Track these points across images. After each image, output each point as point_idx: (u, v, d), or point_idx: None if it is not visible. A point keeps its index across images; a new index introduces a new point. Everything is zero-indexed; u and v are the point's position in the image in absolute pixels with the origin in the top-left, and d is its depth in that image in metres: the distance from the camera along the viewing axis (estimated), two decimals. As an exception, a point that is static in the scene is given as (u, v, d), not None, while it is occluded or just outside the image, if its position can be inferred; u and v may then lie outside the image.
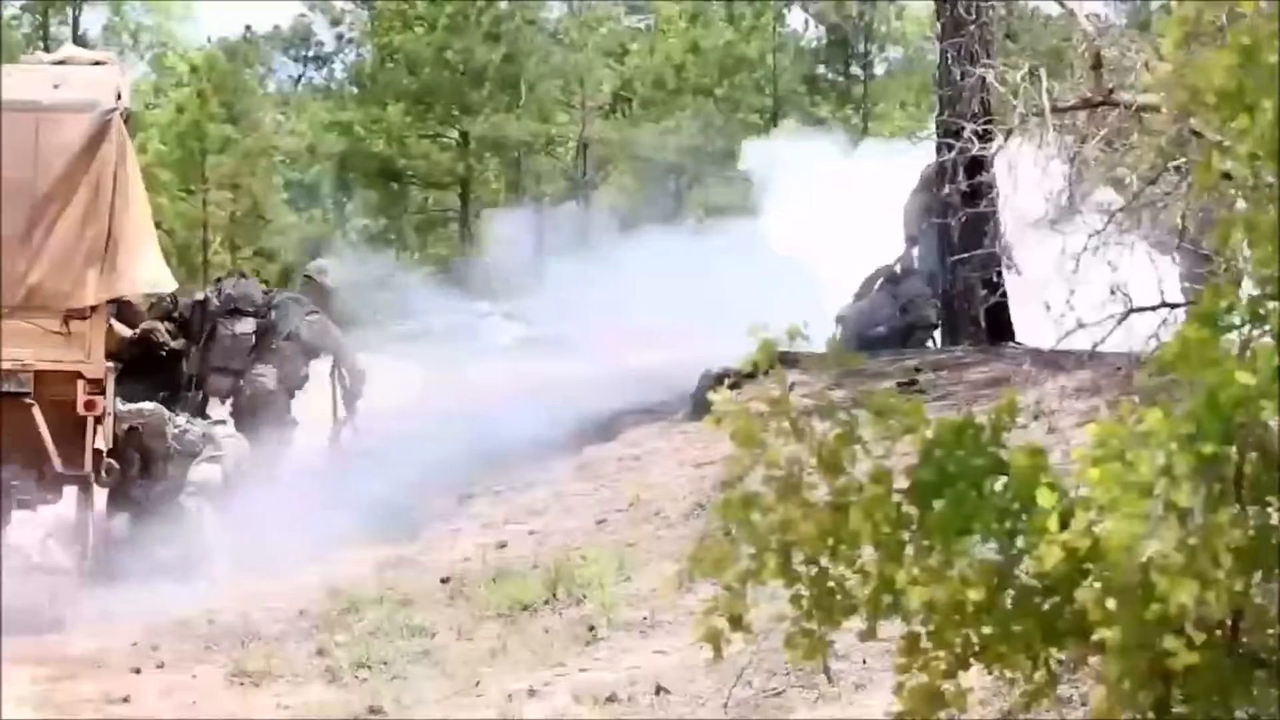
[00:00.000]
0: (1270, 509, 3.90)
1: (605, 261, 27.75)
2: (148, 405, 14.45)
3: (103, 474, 13.10)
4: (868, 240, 22.25)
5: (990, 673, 4.14)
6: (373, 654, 10.84)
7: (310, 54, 60.88)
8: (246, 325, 16.38)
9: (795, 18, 58.63)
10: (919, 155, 20.11)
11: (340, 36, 58.83)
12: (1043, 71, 10.93)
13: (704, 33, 55.77)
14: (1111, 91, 10.05)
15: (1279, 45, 3.66)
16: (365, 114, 52.09)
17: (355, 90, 56.22)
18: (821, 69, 59.08)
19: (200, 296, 16.89)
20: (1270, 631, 4.11)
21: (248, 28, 57.33)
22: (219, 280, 18.33)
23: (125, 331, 14.82)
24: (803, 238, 26.48)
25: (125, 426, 14.03)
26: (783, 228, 28.76)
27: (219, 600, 12.50)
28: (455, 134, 51.67)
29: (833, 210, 26.45)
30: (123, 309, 14.57)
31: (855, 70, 58.70)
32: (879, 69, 59.34)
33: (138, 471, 14.20)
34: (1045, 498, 3.80)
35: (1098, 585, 3.66)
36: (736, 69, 54.81)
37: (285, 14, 60.21)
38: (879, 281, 21.06)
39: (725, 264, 25.66)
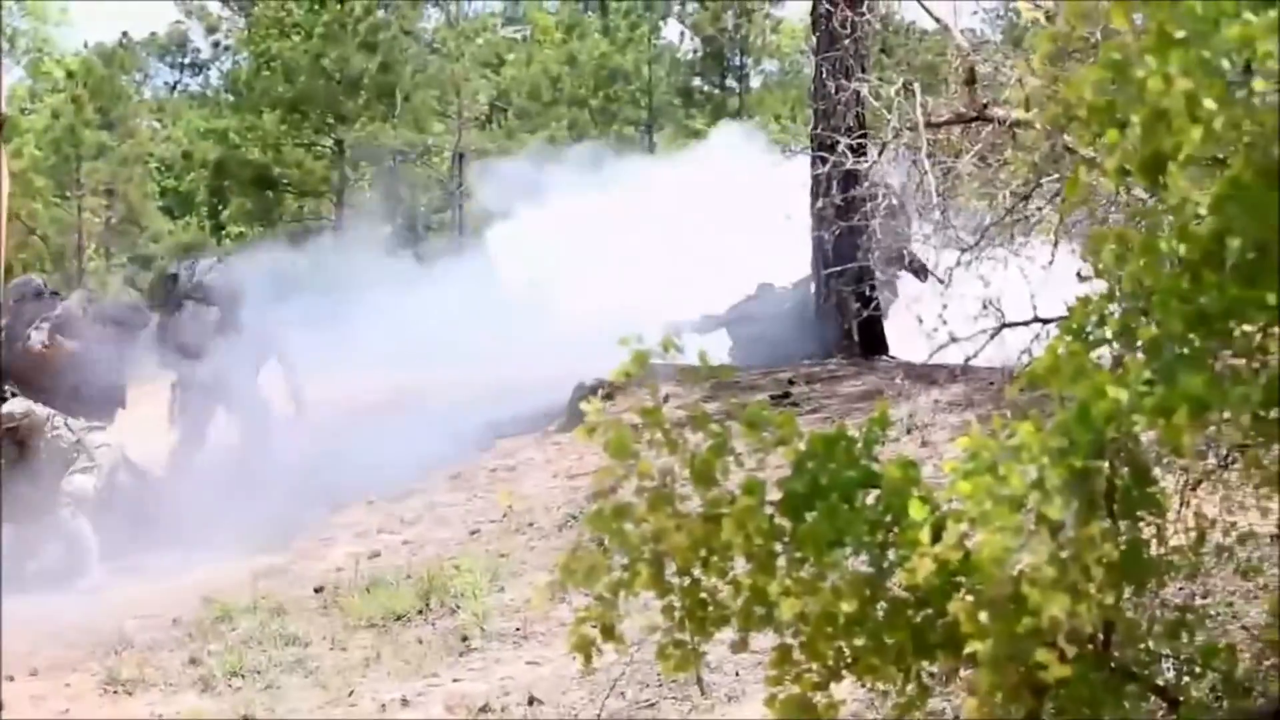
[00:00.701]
0: (1141, 523, 3.93)
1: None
2: (27, 406, 14.33)
3: None
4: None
5: (862, 685, 4.15)
6: (246, 663, 10.79)
7: (186, 61, 60.60)
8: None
9: (671, 30, 58.77)
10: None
11: (217, 44, 58.59)
12: (917, 86, 11.00)
13: (579, 44, 55.82)
14: (985, 107, 10.13)
15: (1149, 60, 3.69)
16: (240, 121, 51.73)
17: (231, 98, 55.83)
18: (697, 81, 59.19)
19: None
20: (1141, 645, 4.14)
21: (124, 34, 56.95)
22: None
23: None
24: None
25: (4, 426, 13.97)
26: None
27: (93, 609, 12.39)
28: (330, 142, 51.39)
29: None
30: None
31: (731, 83, 58.86)
32: (755, 82, 59.52)
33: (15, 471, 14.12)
34: (917, 510, 3.81)
35: (969, 598, 3.68)
36: (612, 81, 54.86)
37: (162, 20, 59.87)
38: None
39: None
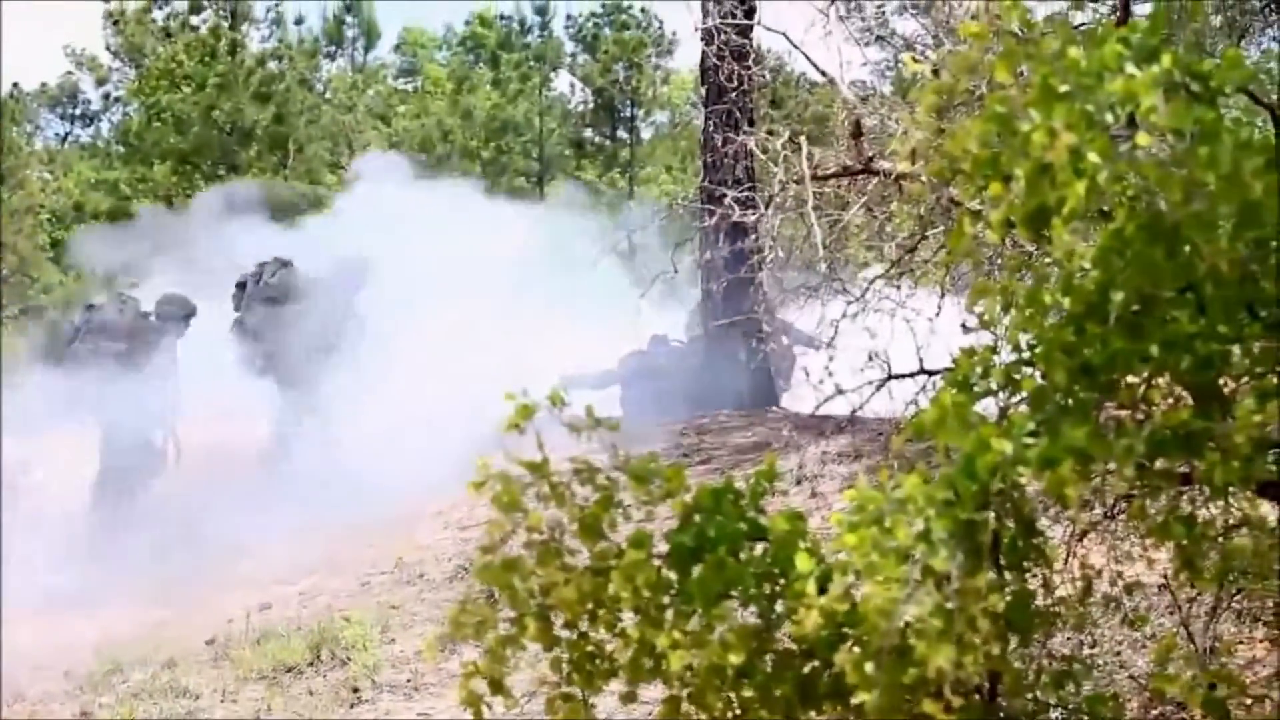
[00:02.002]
0: (1028, 574, 3.95)
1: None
2: None
3: None
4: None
5: (750, 736, 4.14)
6: (137, 715, 10.70)
7: (77, 112, 60.13)
8: None
9: (562, 81, 58.94)
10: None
11: (107, 95, 58.17)
12: (803, 139, 11.06)
13: (471, 96, 55.86)
14: (871, 160, 10.19)
15: (1033, 114, 3.72)
16: (132, 173, 51.43)
17: (122, 149, 55.45)
18: (589, 132, 59.36)
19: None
20: (1028, 695, 4.15)
21: (15, 85, 56.45)
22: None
23: None
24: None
25: None
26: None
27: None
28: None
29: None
30: None
31: (622, 134, 59.06)
32: (646, 133, 59.75)
33: None
34: (804, 562, 3.81)
35: (856, 649, 3.68)
36: (503, 132, 54.94)
37: (52, 72, 59.45)
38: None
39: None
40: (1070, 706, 4.46)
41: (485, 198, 30.57)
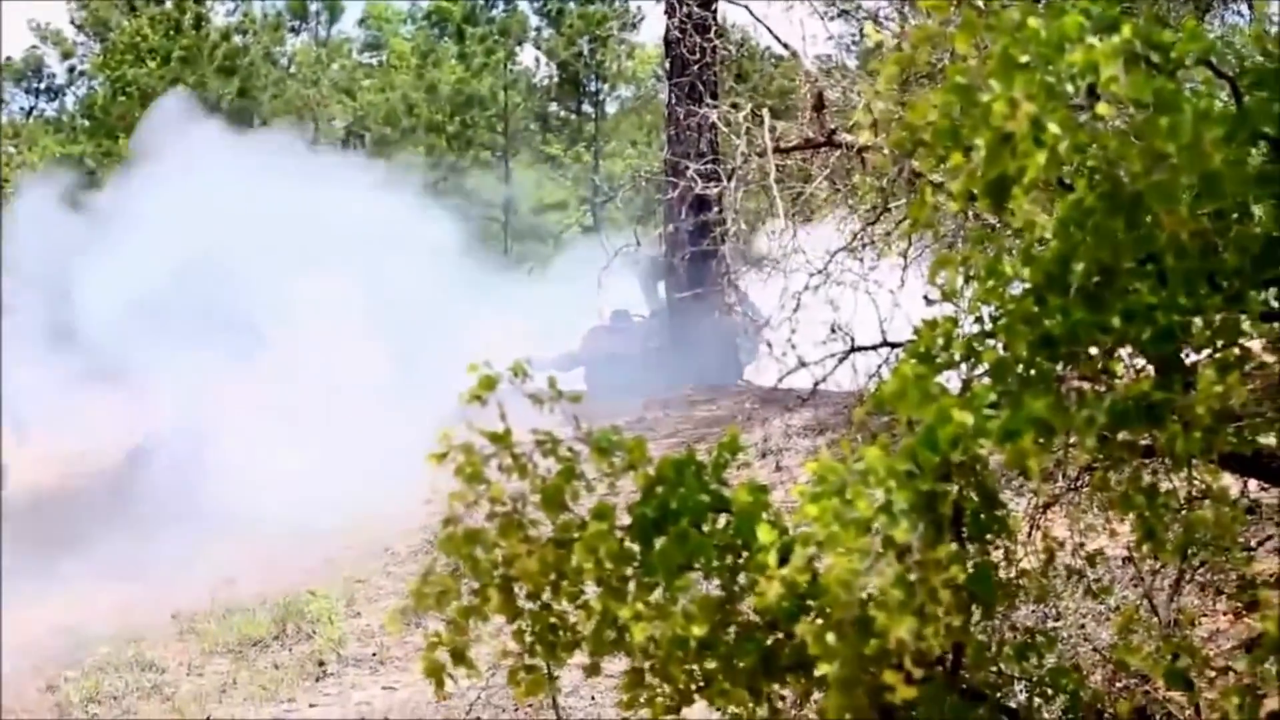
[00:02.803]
0: (990, 546, 3.95)
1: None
2: None
3: None
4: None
5: (714, 707, 4.14)
6: (103, 689, 10.68)
7: (42, 86, 59.75)
8: None
9: (527, 55, 58.72)
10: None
11: (72, 69, 57.82)
12: (766, 112, 11.05)
13: (436, 70, 55.68)
14: (834, 132, 10.19)
15: (993, 85, 3.71)
16: (97, 146, 51.14)
17: (86, 123, 55.14)
18: (554, 106, 59.21)
19: None
20: (991, 667, 4.16)
21: (-20, 58, 56.16)
22: None
23: None
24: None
25: None
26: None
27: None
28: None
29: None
30: None
31: (587, 108, 58.92)
32: (611, 107, 59.60)
33: None
34: (765, 534, 3.81)
35: (818, 620, 3.68)
36: (468, 106, 54.73)
37: (16, 45, 59.09)
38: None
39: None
40: (1034, 679, 4.48)
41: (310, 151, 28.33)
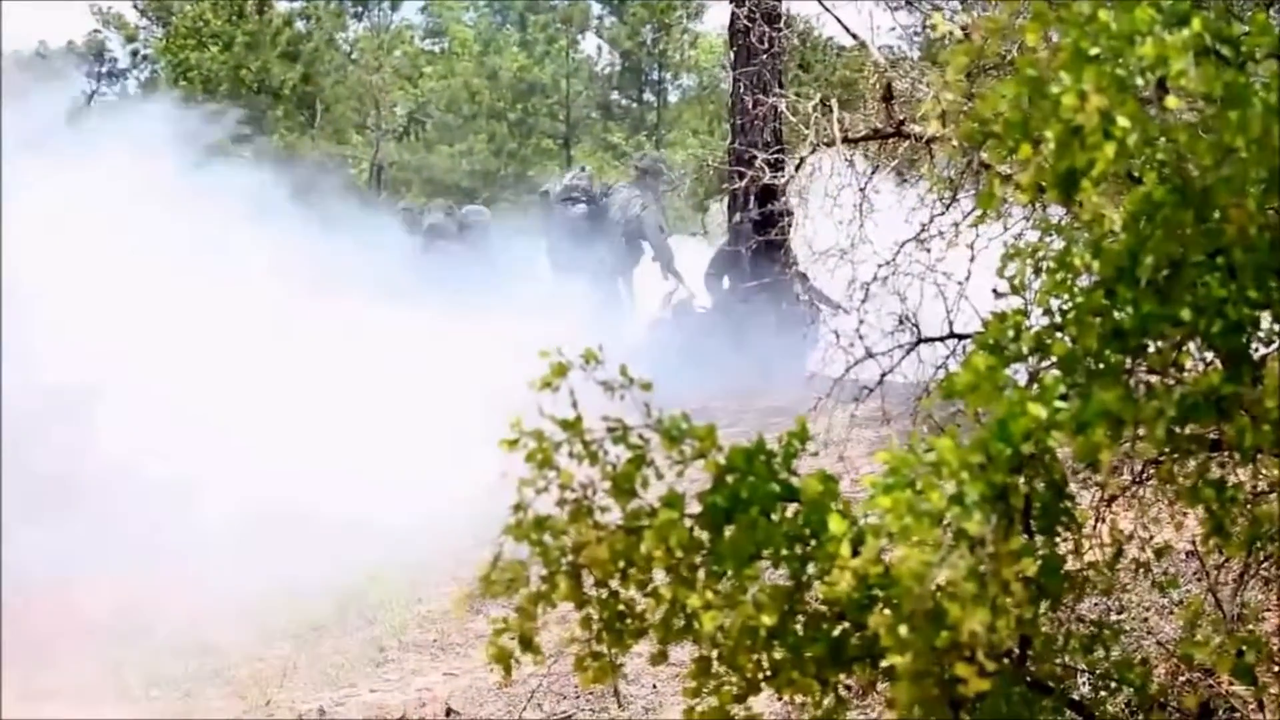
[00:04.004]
0: (1058, 538, 3.96)
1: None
2: None
3: None
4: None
5: (781, 698, 4.16)
6: (163, 672, 10.75)
7: (104, 70, 60.03)
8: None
9: (589, 43, 58.77)
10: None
11: (135, 53, 58.07)
12: (834, 102, 11.05)
13: (498, 58, 55.79)
14: (902, 123, 10.18)
15: (1063, 77, 3.72)
16: (157, 131, 51.35)
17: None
18: (615, 95, 59.24)
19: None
20: (1057, 660, 4.17)
21: (41, 42, 56.46)
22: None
23: None
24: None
25: None
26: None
27: (10, 614, 12.26)
28: (248, 153, 51.10)
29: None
30: None
31: (649, 97, 58.94)
32: (673, 96, 59.57)
33: None
34: (836, 524, 3.83)
35: (888, 612, 3.69)
36: (530, 94, 54.84)
37: (79, 29, 59.33)
38: None
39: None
40: (1098, 671, 4.49)
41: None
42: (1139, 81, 3.73)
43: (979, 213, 5.34)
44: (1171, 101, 3.72)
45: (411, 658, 10.80)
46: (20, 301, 16.86)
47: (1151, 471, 6.19)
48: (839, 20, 12.68)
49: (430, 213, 24.14)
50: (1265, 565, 6.56)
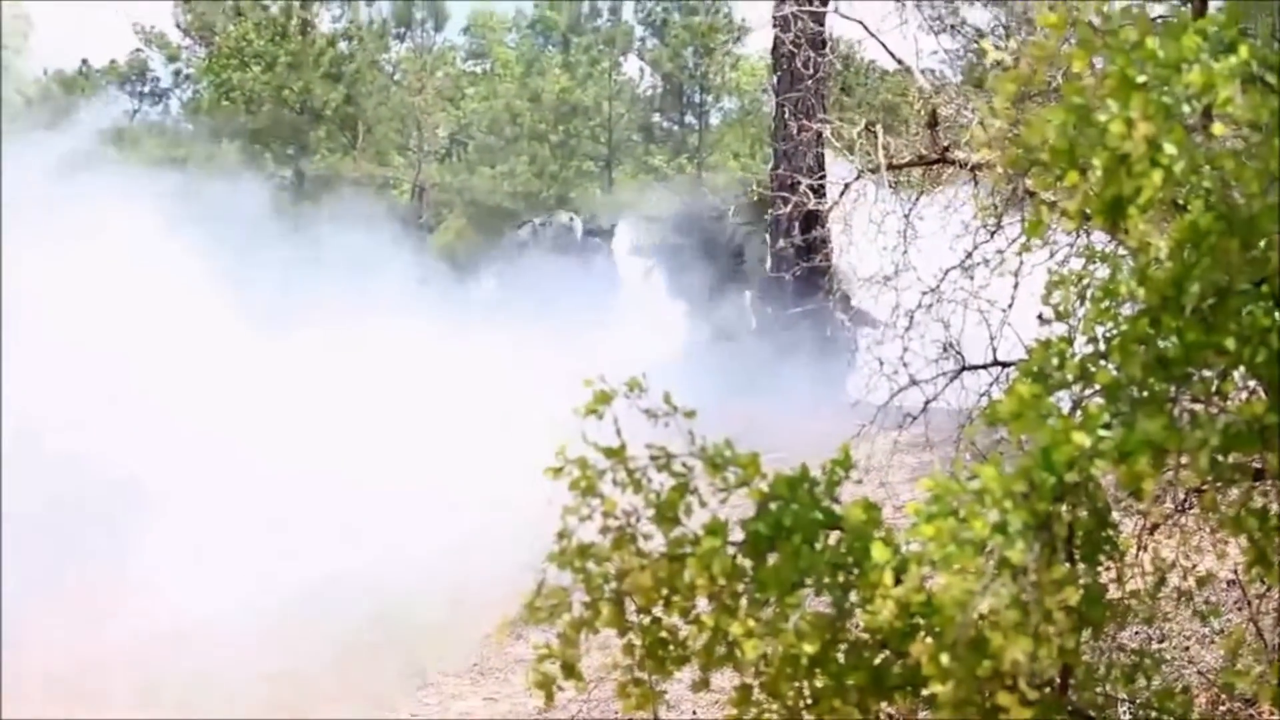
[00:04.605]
0: (1100, 567, 3.94)
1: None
2: None
3: None
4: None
5: (821, 726, 4.15)
6: (206, 687, 10.79)
7: (146, 89, 60.13)
8: None
9: (631, 65, 58.73)
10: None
11: (178, 73, 58.19)
12: (879, 128, 11.03)
13: (540, 79, 55.82)
14: (947, 149, 10.16)
15: (1110, 105, 3.71)
16: (200, 151, 51.45)
17: (190, 127, 55.52)
18: (657, 117, 59.19)
19: None
20: (1098, 688, 4.16)
21: (84, 61, 56.58)
22: None
23: None
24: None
25: None
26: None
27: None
28: (290, 173, 51.27)
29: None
30: None
31: (690, 119, 58.87)
32: (714, 119, 59.51)
33: None
34: (880, 553, 3.81)
35: (931, 640, 3.68)
36: (572, 116, 54.83)
37: (122, 49, 59.42)
38: None
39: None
40: (1139, 701, 4.47)
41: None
42: (1185, 109, 3.72)
43: (1024, 240, 5.33)
44: (1218, 129, 3.71)
45: (451, 682, 10.82)
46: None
47: (1193, 500, 6.16)
48: (883, 45, 12.67)
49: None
50: (1307, 595, 6.53)
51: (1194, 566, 6.21)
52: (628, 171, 54.54)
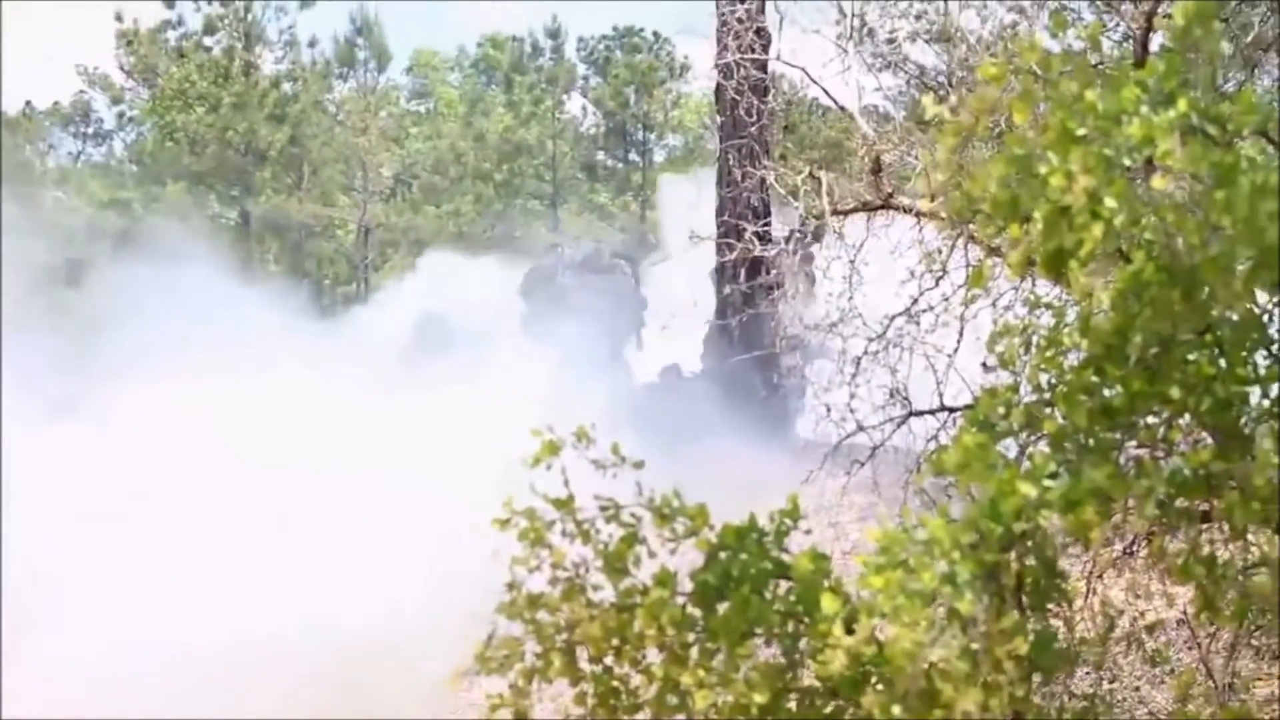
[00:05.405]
0: (1049, 614, 3.97)
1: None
2: None
3: None
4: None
5: (774, 775, 4.15)
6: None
7: (90, 131, 59.88)
8: None
9: (574, 104, 58.78)
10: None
11: (121, 114, 57.95)
12: (823, 175, 11.07)
13: (484, 119, 55.84)
14: (891, 195, 10.21)
15: (1051, 157, 3.75)
16: (145, 193, 51.24)
17: (135, 169, 55.31)
18: (601, 155, 59.26)
19: None
20: (1049, 732, 4.18)
21: (28, 103, 56.31)
22: None
23: None
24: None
25: None
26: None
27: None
28: (235, 215, 51.13)
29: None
30: None
31: (634, 157, 58.95)
32: (659, 156, 59.60)
33: None
34: (829, 603, 3.83)
35: (882, 690, 3.70)
36: (516, 155, 54.83)
37: (65, 90, 59.18)
38: None
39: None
40: (1091, 742, 4.49)
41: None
42: (1126, 161, 3.75)
43: (970, 291, 5.36)
44: (1158, 181, 3.75)
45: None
46: None
47: (1141, 543, 6.21)
48: (826, 92, 12.70)
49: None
50: (1256, 634, 6.57)
51: (1142, 614, 6.25)
52: (573, 210, 54.59)
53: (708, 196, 20.19)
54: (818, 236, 12.52)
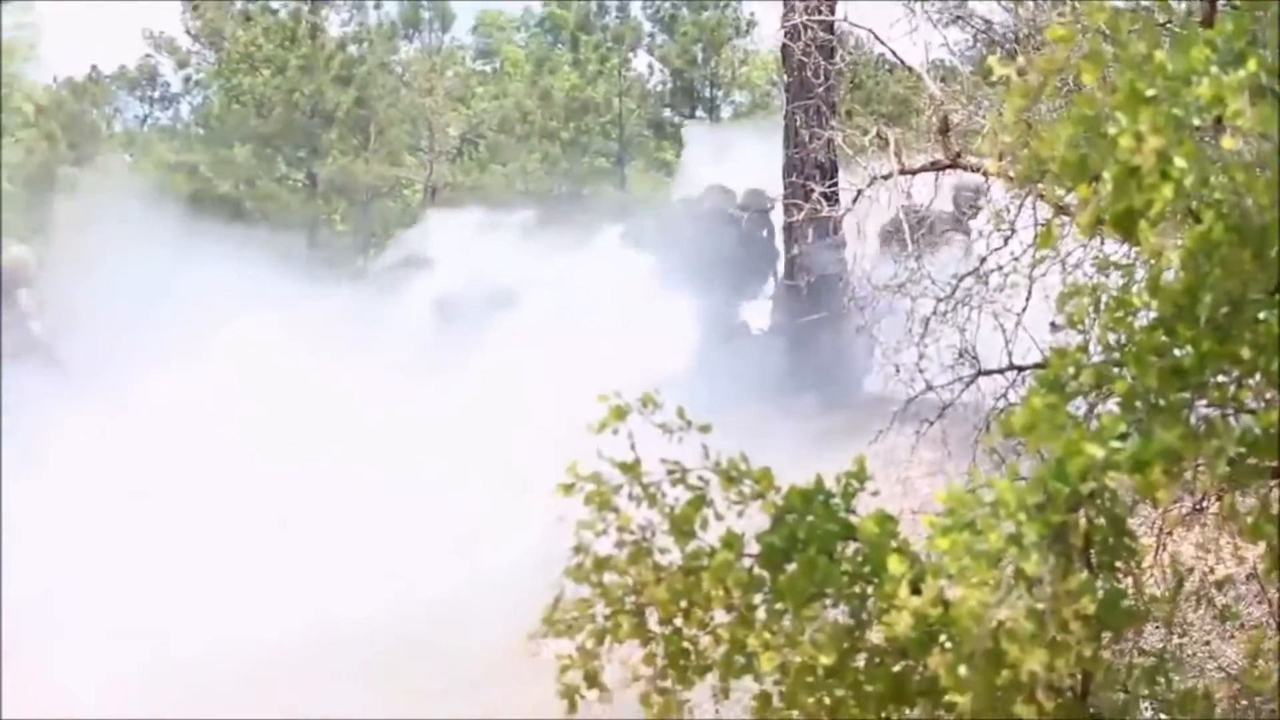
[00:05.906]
0: (1118, 573, 3.96)
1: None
2: None
3: None
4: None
5: (842, 734, 4.17)
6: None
7: (156, 95, 60.03)
8: None
9: (640, 62, 58.58)
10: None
11: (188, 78, 58.08)
12: (891, 135, 11.02)
13: (550, 77, 55.77)
14: (959, 155, 10.16)
15: (1120, 118, 3.73)
16: (212, 156, 51.37)
17: (201, 132, 55.45)
18: (668, 113, 59.08)
19: None
20: (1119, 691, 4.17)
21: (94, 67, 56.47)
22: None
23: None
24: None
25: None
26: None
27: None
28: (302, 176, 51.23)
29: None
30: None
31: (701, 114, 58.74)
32: (725, 113, 59.37)
33: None
34: (895, 565, 3.84)
35: (948, 651, 3.70)
36: (583, 113, 54.70)
37: (131, 55, 59.28)
38: None
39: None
40: (1161, 700, 4.49)
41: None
42: (1195, 121, 3.73)
43: (1038, 251, 5.35)
44: (1228, 142, 3.73)
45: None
46: None
47: (1211, 499, 6.18)
48: (894, 53, 12.63)
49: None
50: (1327, 592, 6.54)
51: (1211, 569, 6.23)
52: (640, 168, 54.50)
53: (770, 153, 20.10)
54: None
